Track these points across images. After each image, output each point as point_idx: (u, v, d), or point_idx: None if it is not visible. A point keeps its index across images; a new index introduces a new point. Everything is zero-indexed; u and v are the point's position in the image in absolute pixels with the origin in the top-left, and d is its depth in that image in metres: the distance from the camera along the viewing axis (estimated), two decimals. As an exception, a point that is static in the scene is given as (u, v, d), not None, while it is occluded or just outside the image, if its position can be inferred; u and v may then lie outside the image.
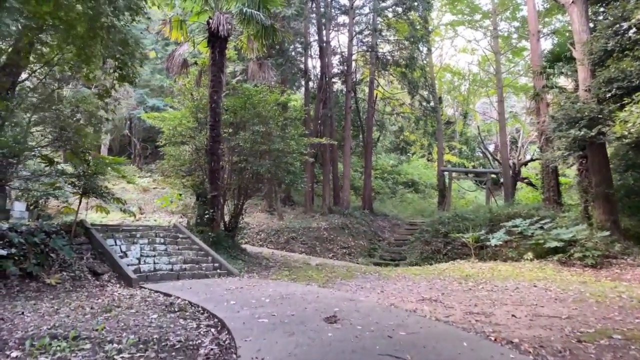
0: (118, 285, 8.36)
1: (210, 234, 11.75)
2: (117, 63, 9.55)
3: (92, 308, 6.20)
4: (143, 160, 31.45)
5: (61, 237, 9.25)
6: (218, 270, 10.17)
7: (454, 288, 8.51)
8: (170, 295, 7.19)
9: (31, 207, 20.65)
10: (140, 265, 9.22)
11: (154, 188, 28.32)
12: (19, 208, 18.67)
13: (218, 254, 11.26)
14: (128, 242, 10.05)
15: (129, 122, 30.66)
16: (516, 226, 14.01)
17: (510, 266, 12.11)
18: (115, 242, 9.86)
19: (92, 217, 13.94)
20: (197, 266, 9.99)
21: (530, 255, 12.78)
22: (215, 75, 11.85)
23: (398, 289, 8.45)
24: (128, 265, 9.02)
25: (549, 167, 16.98)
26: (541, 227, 13.15)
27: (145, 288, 8.07)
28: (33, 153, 10.58)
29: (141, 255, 9.65)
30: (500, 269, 11.57)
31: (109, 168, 9.98)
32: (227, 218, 12.93)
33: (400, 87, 28.21)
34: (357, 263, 17.88)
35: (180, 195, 13.76)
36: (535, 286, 8.62)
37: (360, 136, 26.85)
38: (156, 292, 7.66)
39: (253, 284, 8.48)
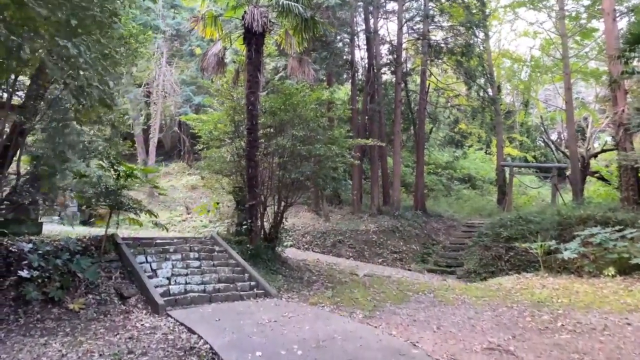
0: (144, 312, 7.65)
1: (248, 245, 10.92)
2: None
3: (101, 355, 5.44)
4: (193, 157, 31.48)
5: (89, 255, 8.74)
6: (255, 290, 9.29)
7: (526, 325, 7.10)
8: (193, 333, 6.34)
9: (82, 207, 20.98)
10: (170, 286, 8.49)
11: (202, 186, 28.23)
12: (72, 208, 18.99)
13: (256, 268, 10.41)
14: (160, 259, 9.39)
15: (177, 119, 30.74)
16: (593, 235, 12.16)
17: (589, 285, 10.42)
18: (146, 258, 9.22)
19: (128, 230, 13.57)
20: (231, 286, 9.16)
21: (611, 270, 11.01)
22: (251, 74, 10.92)
23: (458, 325, 7.17)
24: (156, 286, 8.31)
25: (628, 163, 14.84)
26: (623, 237, 11.33)
27: (171, 317, 7.30)
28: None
29: (172, 274, 8.94)
30: (577, 289, 9.93)
31: (138, 180, 9.30)
32: (267, 226, 12.06)
33: (455, 76, 26.24)
34: (409, 269, 16.60)
35: (218, 204, 13.04)
36: (629, 324, 7.04)
37: (411, 130, 25.25)
38: (180, 324, 6.85)
39: (289, 314, 7.49)
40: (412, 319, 7.57)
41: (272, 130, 11.52)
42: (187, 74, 29.80)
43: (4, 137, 8.74)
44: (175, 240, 10.49)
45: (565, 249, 12.10)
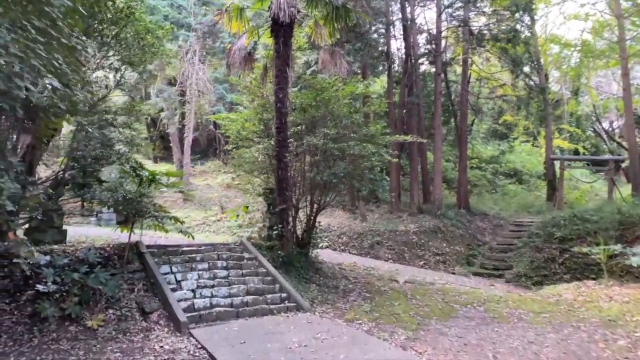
0: (166, 330, 7.07)
1: (279, 252, 10.23)
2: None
3: (108, 390, 4.85)
4: (228, 155, 31.24)
5: (111, 265, 8.27)
6: (286, 303, 8.57)
7: (600, 354, 6.02)
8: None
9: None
10: (195, 300, 7.89)
11: (237, 184, 27.93)
12: (107, 211, 18.95)
13: (288, 277, 9.71)
14: (185, 269, 8.83)
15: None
16: (667, 238, 10.72)
17: (665, 297, 9.11)
18: (171, 268, 8.67)
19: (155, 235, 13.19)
20: (261, 298, 8.47)
21: (691, 279, 9.62)
22: (280, 69, 10.17)
23: (518, 352, 6.17)
24: (180, 300, 7.73)
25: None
26: None
27: (193, 338, 6.68)
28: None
29: (197, 286, 8.35)
30: (652, 303, 8.66)
31: (161, 185, 8.75)
32: (299, 231, 11.33)
33: (499, 65, 24.59)
34: (453, 273, 15.51)
35: (247, 207, 12.42)
36: None
37: (452, 123, 23.89)
38: (202, 348, 6.20)
39: (322, 335, 6.71)
40: (462, 342, 6.63)
41: (302, 128, 10.73)
42: (220, 71, 29.52)
43: (28, 143, 8.40)
44: (202, 248, 9.92)
45: (634, 254, 10.74)
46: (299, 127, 10.86)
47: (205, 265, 9.13)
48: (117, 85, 8.89)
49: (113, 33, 7.78)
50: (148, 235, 11.04)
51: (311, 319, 7.76)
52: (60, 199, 9.52)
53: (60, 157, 9.00)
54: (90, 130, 8.69)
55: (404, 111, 20.07)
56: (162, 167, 29.67)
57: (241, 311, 7.92)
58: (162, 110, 28.68)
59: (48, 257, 7.30)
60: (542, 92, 21.90)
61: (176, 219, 9.37)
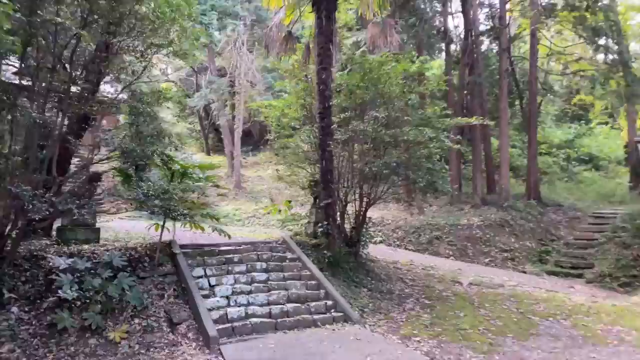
0: (194, 345, 6.23)
1: (325, 252, 9.16)
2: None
3: None
4: (271, 145, 30.56)
5: (141, 268, 7.57)
6: (332, 312, 7.51)
7: None
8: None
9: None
10: (229, 309, 7.00)
11: (289, 176, 27.21)
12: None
13: (335, 280, 8.64)
14: (221, 272, 7.98)
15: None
16: None
17: None
18: (205, 271, 7.85)
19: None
20: (303, 307, 7.45)
21: None
22: (322, 46, 9.04)
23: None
24: (212, 309, 6.88)
25: None
26: None
27: (222, 357, 5.77)
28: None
29: (232, 292, 7.47)
30: None
31: (193, 179, 7.91)
32: (348, 227, 10.21)
33: (572, 38, 21.93)
34: (524, 271, 13.80)
35: (290, 202, 11.44)
36: None
37: (517, 104, 21.64)
38: (229, 372, 5.28)
39: (374, 358, 5.57)
40: (550, 373, 5.25)
41: (349, 113, 9.52)
42: (269, 60, 28.80)
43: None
44: (241, 247, 9.03)
45: None
46: (345, 112, 9.66)
47: (243, 268, 8.23)
48: (143, 70, 8.12)
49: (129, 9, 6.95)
50: (189, 233, 10.33)
51: (360, 335, 6.63)
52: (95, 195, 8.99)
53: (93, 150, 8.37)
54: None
55: (465, 93, 18.24)
56: (215, 159, 29.60)
57: (280, 322, 6.94)
58: (212, 102, 28.49)
59: (70, 261, 6.65)
60: (626, 65, 19.14)
61: (212, 216, 8.56)
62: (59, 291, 6.30)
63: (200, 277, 7.72)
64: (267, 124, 12.34)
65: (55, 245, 7.82)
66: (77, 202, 7.03)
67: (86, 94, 7.59)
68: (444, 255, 14.85)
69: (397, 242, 15.92)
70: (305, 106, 9.95)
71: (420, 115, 9.27)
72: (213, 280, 7.65)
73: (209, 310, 6.82)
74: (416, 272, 11.25)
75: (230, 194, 24.52)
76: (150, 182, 7.19)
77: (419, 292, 9.43)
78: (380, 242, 15.63)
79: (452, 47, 20.48)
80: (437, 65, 24.68)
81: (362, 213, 9.79)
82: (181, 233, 9.70)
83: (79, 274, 6.54)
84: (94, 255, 7.49)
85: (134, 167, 8.40)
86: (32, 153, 6.80)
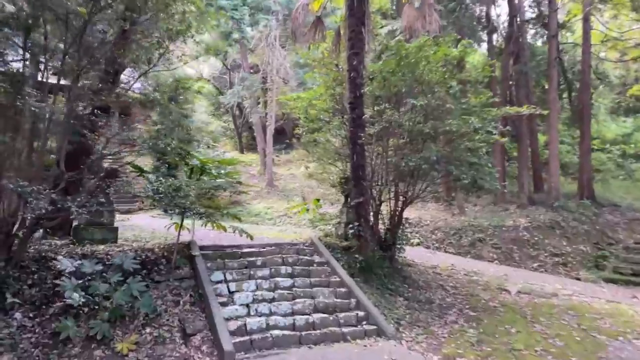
0: (207, 360, 5.58)
1: (357, 256, 8.34)
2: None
3: None
4: (299, 140, 29.89)
5: (157, 272, 7.00)
6: (363, 325, 6.70)
7: None
8: None
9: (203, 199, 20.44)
10: (248, 319, 6.31)
11: (320, 173, 26.49)
12: None
13: (368, 288, 7.82)
14: (242, 276, 7.31)
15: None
16: None
17: None
18: (225, 276, 7.20)
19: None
20: (331, 318, 6.67)
21: None
22: (353, 29, 8.22)
23: None
24: (230, 319, 6.21)
25: None
26: None
27: (235, 378, 5.08)
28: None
29: (253, 300, 6.77)
30: None
31: (212, 175, 7.28)
32: (382, 229, 9.35)
33: (629, 24, 20.10)
34: (578, 278, 12.49)
35: (319, 201, 10.67)
36: None
37: (566, 97, 20.04)
38: (242, 398, 4.56)
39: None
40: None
41: (383, 103, 8.64)
42: (301, 55, 28.16)
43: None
44: (265, 249, 8.34)
45: None
46: (378, 102, 8.79)
47: (266, 272, 7.53)
48: (159, 58, 7.54)
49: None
50: (213, 233, 9.71)
51: (396, 353, 5.78)
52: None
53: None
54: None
55: (510, 83, 16.93)
56: (248, 157, 29.31)
57: (305, 336, 6.18)
58: (244, 99, 28.18)
59: (77, 263, 6.13)
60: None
61: (235, 216, 7.92)
62: (65, 296, 5.80)
63: (220, 282, 7.08)
64: (303, 124, 11.67)
65: (71, 246, 7.38)
66: (89, 199, 6.55)
67: (99, 85, 7.09)
68: (488, 259, 13.72)
69: (436, 245, 14.87)
70: (335, 97, 9.15)
71: (463, 104, 8.26)
72: (233, 286, 6.98)
73: (226, 320, 6.16)
74: (458, 278, 10.26)
75: (263, 192, 24.11)
76: (161, 179, 6.57)
77: (462, 302, 8.47)
78: (418, 244, 14.65)
79: (494, 36, 19.16)
80: (476, 58, 23.27)
81: (397, 213, 8.90)
82: (205, 233, 9.15)
83: (88, 278, 6.01)
84: (108, 256, 6.98)
85: (166, 164, 7.96)
86: (41, 146, 6.36)
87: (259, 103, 28.17)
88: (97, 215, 8.05)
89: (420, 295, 8.37)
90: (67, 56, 6.36)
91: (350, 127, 8.24)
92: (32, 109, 5.52)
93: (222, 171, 7.98)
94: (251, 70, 28.77)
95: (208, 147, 23.04)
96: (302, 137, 10.52)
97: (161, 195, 6.34)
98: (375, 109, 8.74)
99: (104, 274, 6.18)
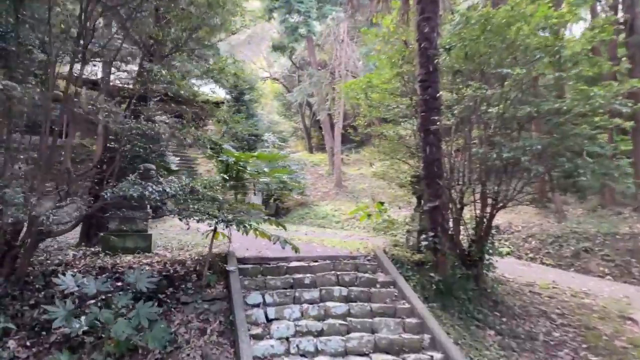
0: (225, 420, 4.19)
1: (432, 275, 6.58)
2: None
3: None
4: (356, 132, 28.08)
5: (184, 290, 5.79)
6: (440, 373, 4.96)
7: None
8: None
9: (270, 200, 19.59)
10: (286, 359, 4.85)
11: (384, 171, 24.60)
12: (255, 200, 17.70)
13: (447, 318, 6.04)
14: (284, 299, 5.88)
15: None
16: None
17: None
18: (264, 298, 5.82)
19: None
20: (396, 361, 5.02)
21: None
22: (424, -11, 6.44)
23: None
24: (262, 359, 4.79)
25: None
26: None
27: None
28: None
29: (296, 332, 5.29)
30: None
31: (244, 172, 5.92)
32: (464, 240, 7.46)
33: None
34: None
35: (382, 204, 8.94)
36: None
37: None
38: None
39: None
40: None
41: (463, 79, 6.76)
42: (370, 47, 26.43)
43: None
44: (317, 264, 6.83)
45: None
46: (456, 80, 6.92)
47: (316, 294, 6.03)
48: (176, 47, 6.33)
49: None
50: (264, 241, 8.35)
51: None
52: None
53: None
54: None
55: (620, 58, 13.93)
56: (317, 157, 28.29)
57: (359, 388, 4.60)
58: (311, 95, 27.10)
59: (80, 281, 5.03)
60: None
61: (278, 223, 6.50)
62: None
63: (257, 305, 5.72)
64: (372, 119, 10.06)
65: (93, 257, 6.43)
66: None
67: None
68: (597, 274, 11.20)
69: (530, 255, 12.52)
70: (402, 76, 7.40)
71: (576, 73, 6.12)
72: (272, 312, 5.57)
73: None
74: (564, 301, 8.04)
75: (331, 193, 22.82)
76: (173, 180, 5.32)
77: (575, 338, 6.39)
78: (507, 254, 12.32)
79: (597, 6, 16.11)
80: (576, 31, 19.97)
81: (485, 220, 6.97)
82: (251, 241, 7.84)
83: (83, 302, 4.92)
84: (132, 269, 5.90)
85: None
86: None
87: (327, 100, 26.89)
88: (128, 221, 7.11)
89: (518, 328, 6.41)
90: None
91: (421, 110, 6.48)
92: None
93: (266, 169, 6.62)
94: (319, 68, 27.58)
95: (274, 146, 22.20)
96: (361, 129, 8.86)
97: (175, 198, 5.07)
98: (453, 93, 6.88)
99: (112, 296, 5.04)
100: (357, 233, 14.40)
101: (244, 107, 20.62)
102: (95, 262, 6.11)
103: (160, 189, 4.85)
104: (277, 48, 26.19)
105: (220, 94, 20.87)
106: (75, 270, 5.74)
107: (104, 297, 5.01)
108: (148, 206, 6.95)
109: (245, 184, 6.88)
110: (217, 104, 20.80)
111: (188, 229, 7.35)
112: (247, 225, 5.34)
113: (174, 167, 16.85)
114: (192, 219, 5.30)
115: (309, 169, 25.58)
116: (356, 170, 26.54)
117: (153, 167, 7.04)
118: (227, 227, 5.47)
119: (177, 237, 8.94)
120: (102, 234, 7.05)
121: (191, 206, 5.09)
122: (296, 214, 19.53)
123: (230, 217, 5.32)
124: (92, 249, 6.95)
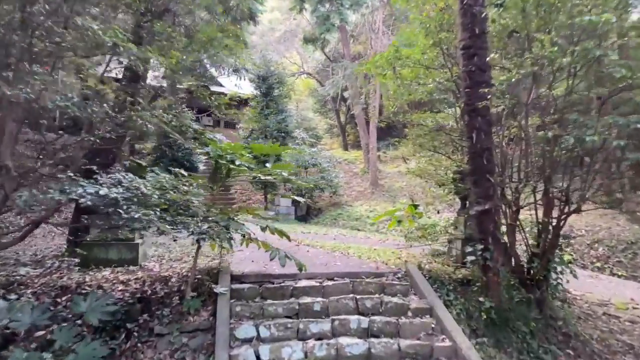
0: None
1: (481, 299, 5.03)
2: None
3: None
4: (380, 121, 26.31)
5: (159, 318, 4.57)
6: None
7: None
8: None
9: (299, 202, 18.34)
10: None
11: (434, 170, 22.75)
12: (284, 203, 16.53)
13: (502, 359, 4.48)
14: (285, 332, 4.52)
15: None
16: None
17: None
18: (258, 331, 4.49)
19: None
20: None
21: None
22: None
23: None
24: None
25: None
26: None
27: None
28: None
29: (293, 384, 3.94)
30: None
31: (239, 169, 4.62)
32: (523, 252, 5.86)
33: None
34: None
35: (416, 207, 7.38)
36: None
37: None
38: None
39: None
40: None
41: (517, 49, 5.14)
42: (405, 37, 24.69)
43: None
44: (331, 283, 5.43)
45: None
46: (510, 48, 5.32)
47: (326, 326, 4.64)
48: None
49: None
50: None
51: None
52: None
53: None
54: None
55: None
56: (351, 154, 26.94)
57: None
58: (345, 89, 25.72)
59: (18, 312, 3.89)
60: None
61: (281, 233, 5.14)
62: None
63: (248, 340, 4.40)
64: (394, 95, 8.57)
65: (62, 272, 5.34)
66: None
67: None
68: (683, 289, 9.16)
69: (597, 264, 10.58)
70: (441, 46, 5.86)
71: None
72: (265, 352, 4.23)
73: None
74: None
75: (366, 192, 21.33)
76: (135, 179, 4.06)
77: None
78: (570, 262, 10.50)
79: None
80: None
81: (552, 227, 5.33)
82: (260, 253, 6.54)
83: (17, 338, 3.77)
84: (101, 290, 4.75)
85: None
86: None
87: (362, 94, 25.39)
88: (111, 229, 5.99)
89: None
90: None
91: (465, 86, 4.95)
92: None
93: (268, 165, 5.28)
94: (354, 60, 26.12)
95: (304, 142, 20.87)
96: (391, 115, 7.35)
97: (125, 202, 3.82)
98: (504, 67, 5.28)
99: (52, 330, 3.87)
100: (392, 237, 12.85)
101: (272, 103, 19.46)
102: (60, 280, 5.01)
103: (92, 192, 3.60)
104: (309, 40, 24.87)
105: (247, 89, 19.87)
106: (28, 291, 4.66)
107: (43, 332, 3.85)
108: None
109: (275, 184, 5.62)
110: (245, 100, 19.88)
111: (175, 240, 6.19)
112: (222, 238, 4.01)
113: (202, 166, 15.87)
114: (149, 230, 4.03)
115: (343, 167, 24.15)
116: (394, 167, 24.96)
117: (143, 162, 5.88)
118: (198, 240, 4.18)
119: (182, 243, 7.80)
120: (83, 242, 5.99)
121: (151, 215, 3.82)
122: (328, 215, 18.13)
123: (204, 227, 4.00)
124: (74, 261, 5.92)
